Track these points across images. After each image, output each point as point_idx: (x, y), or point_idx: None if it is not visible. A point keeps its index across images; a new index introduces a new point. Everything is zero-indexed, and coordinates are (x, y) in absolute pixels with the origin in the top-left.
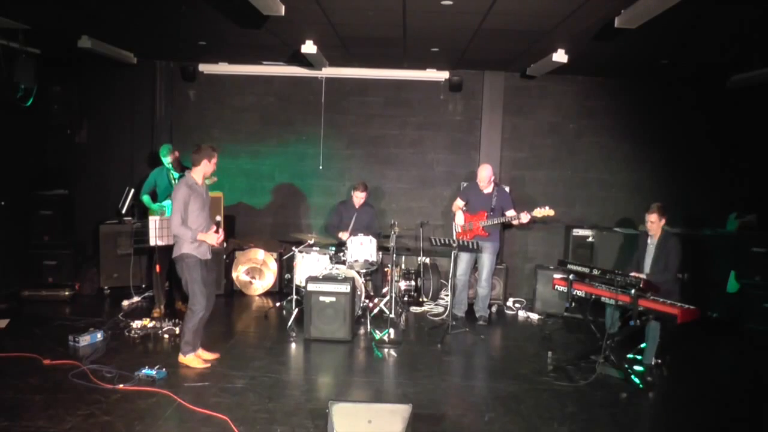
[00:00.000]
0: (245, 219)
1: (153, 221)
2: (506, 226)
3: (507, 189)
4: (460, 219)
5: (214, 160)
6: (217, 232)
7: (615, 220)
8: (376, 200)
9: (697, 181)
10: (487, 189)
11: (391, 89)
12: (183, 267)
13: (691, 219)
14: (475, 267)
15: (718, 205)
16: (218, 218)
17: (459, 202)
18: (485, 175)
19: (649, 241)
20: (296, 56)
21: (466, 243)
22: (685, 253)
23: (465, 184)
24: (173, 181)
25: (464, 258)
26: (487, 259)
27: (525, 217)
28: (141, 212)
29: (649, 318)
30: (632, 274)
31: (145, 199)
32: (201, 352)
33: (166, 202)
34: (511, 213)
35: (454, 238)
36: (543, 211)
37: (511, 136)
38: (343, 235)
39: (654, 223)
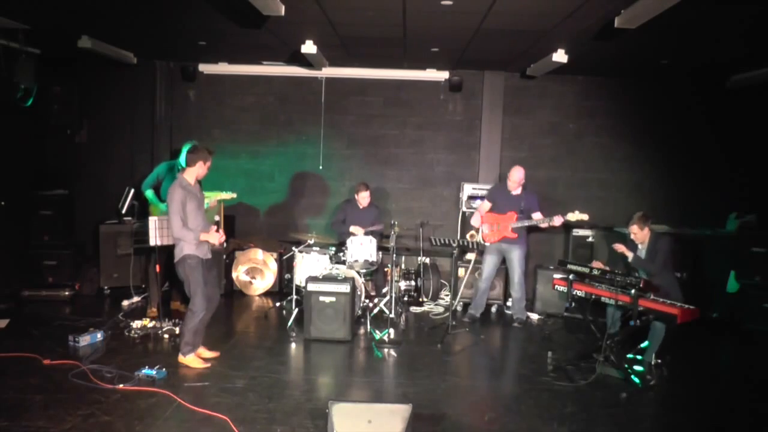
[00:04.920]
0: (245, 219)
1: (153, 221)
2: (532, 229)
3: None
4: (476, 221)
5: (208, 164)
6: (217, 231)
7: (615, 220)
8: (376, 200)
9: (697, 181)
10: (516, 191)
11: (391, 89)
12: (185, 269)
13: (691, 219)
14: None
15: (718, 205)
16: (217, 218)
17: (486, 205)
18: (518, 177)
19: (639, 246)
20: (296, 56)
21: (466, 243)
22: (682, 252)
23: (491, 186)
24: None
25: (490, 261)
26: (516, 263)
27: (558, 220)
28: (141, 211)
29: (650, 318)
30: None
31: (149, 194)
32: (201, 350)
33: None
34: (538, 216)
35: (481, 239)
36: (576, 215)
37: (511, 136)
38: (357, 230)
39: (636, 234)
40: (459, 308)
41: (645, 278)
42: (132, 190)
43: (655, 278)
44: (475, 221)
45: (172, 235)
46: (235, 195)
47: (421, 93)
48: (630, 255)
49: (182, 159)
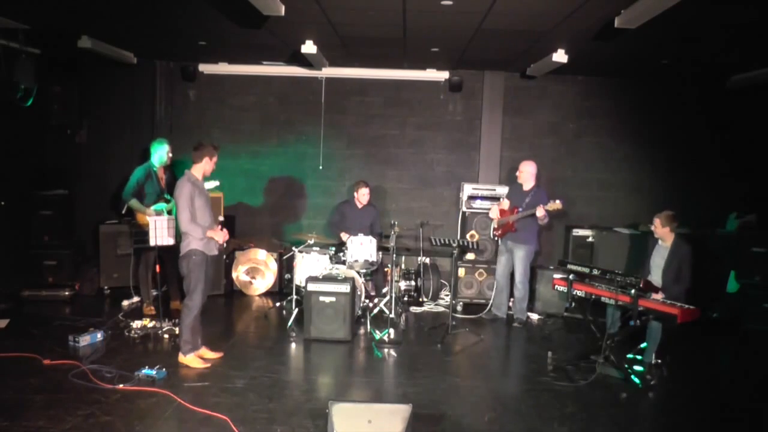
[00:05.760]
0: (245, 219)
1: (153, 221)
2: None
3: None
4: (494, 212)
5: (214, 159)
6: (221, 230)
7: (615, 220)
8: (376, 200)
9: (697, 181)
10: (527, 186)
11: (391, 89)
12: (190, 263)
13: (691, 219)
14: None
15: (718, 205)
16: (220, 218)
17: (505, 203)
18: (525, 169)
19: (660, 243)
20: (296, 56)
21: (466, 243)
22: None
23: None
24: (161, 181)
25: (502, 259)
26: (519, 261)
27: (539, 211)
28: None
29: (649, 318)
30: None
31: (134, 203)
32: (204, 351)
33: (160, 205)
34: (533, 209)
35: (492, 234)
36: (553, 205)
37: (511, 136)
38: (344, 236)
39: (656, 228)
40: (459, 307)
41: (648, 279)
42: None
43: (671, 285)
44: (493, 212)
45: (180, 229)
46: (218, 183)
47: (421, 93)
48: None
49: (154, 158)
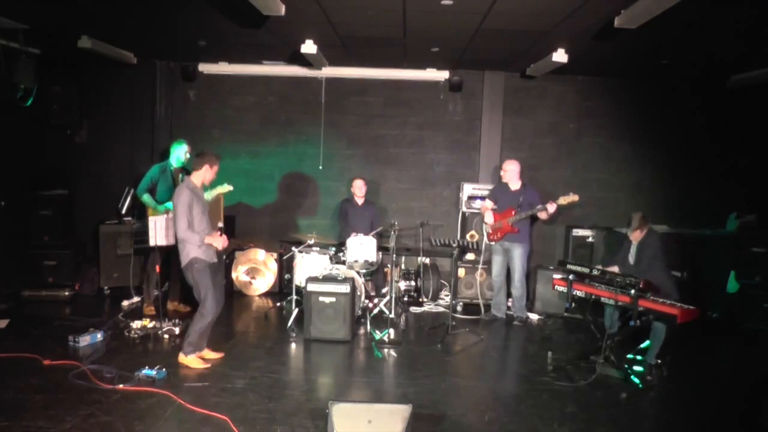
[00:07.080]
0: (245, 219)
1: (153, 221)
2: (535, 227)
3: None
4: (489, 218)
5: (215, 168)
6: (221, 236)
7: (615, 220)
8: (376, 200)
9: (697, 181)
10: (515, 186)
11: (391, 89)
12: (193, 273)
13: (691, 219)
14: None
15: (718, 205)
16: (220, 224)
17: (488, 203)
18: (510, 168)
19: (633, 243)
20: (296, 56)
21: (466, 243)
22: (682, 252)
23: (493, 186)
24: (176, 181)
25: (497, 259)
26: (517, 260)
27: (551, 207)
28: (140, 212)
29: (649, 318)
30: (610, 269)
31: (146, 198)
32: (205, 352)
33: (169, 204)
34: (538, 207)
35: (485, 239)
36: (567, 198)
37: (511, 136)
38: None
39: (636, 237)
40: (459, 308)
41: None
42: (132, 190)
43: (647, 276)
44: (488, 218)
45: (176, 236)
46: (231, 188)
47: (421, 93)
48: (616, 268)
49: (172, 158)
